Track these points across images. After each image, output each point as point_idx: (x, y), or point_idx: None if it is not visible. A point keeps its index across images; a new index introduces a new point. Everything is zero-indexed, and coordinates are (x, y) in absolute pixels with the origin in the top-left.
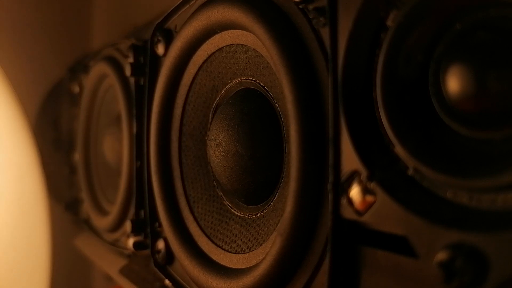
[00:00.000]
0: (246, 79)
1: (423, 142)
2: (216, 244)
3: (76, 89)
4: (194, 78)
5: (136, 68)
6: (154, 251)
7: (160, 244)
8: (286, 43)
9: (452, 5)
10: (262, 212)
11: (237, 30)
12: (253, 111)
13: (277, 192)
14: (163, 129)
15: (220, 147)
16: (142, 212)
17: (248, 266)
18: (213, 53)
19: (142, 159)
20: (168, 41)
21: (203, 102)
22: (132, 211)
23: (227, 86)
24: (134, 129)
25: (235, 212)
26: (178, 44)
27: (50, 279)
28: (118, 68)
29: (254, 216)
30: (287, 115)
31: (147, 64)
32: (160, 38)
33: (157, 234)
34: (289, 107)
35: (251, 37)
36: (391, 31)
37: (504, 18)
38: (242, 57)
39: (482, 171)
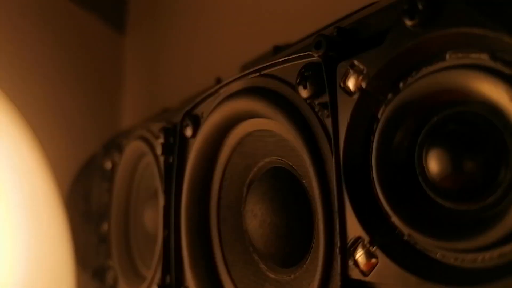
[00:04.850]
0: (275, 158)
1: (415, 213)
2: None
3: (108, 165)
4: (229, 158)
5: (166, 148)
6: None
7: None
8: (305, 131)
9: (428, 103)
10: (295, 274)
11: (262, 119)
12: (284, 187)
13: (309, 256)
14: (198, 202)
15: (257, 217)
16: (168, 278)
17: None
18: (244, 136)
19: (170, 228)
20: (196, 125)
21: (238, 178)
22: (158, 276)
23: (259, 164)
24: (162, 202)
25: (270, 275)
26: (206, 129)
27: None
28: (152, 147)
29: (288, 278)
30: (313, 192)
31: (176, 145)
32: (188, 122)
33: None
34: (315, 188)
35: (276, 124)
36: (381, 122)
37: (468, 113)
38: (270, 140)
39: (463, 235)
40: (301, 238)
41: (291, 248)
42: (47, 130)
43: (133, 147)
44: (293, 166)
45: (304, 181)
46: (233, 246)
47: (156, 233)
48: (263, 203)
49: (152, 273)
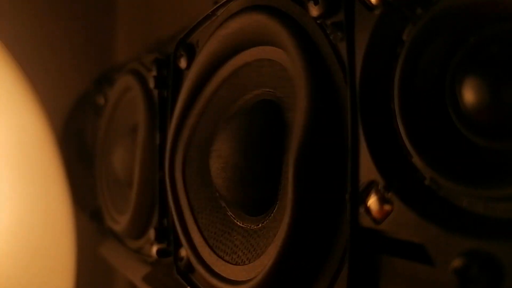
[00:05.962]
0: (266, 90)
1: (440, 153)
2: (218, 255)
3: (101, 101)
4: (215, 91)
5: (160, 81)
6: (177, 258)
7: (183, 252)
8: (310, 57)
9: (466, 20)
10: (263, 223)
11: (264, 46)
12: (262, 122)
13: (277, 203)
14: (178, 140)
15: (220, 158)
16: (165, 220)
17: (248, 279)
18: (240, 67)
19: (164, 169)
20: (190, 55)
21: (217, 113)
22: (155, 219)
23: (244, 97)
24: (157, 140)
25: (238, 223)
26: (201, 59)
27: (74, 286)
28: (142, 80)
29: (255, 227)
30: (294, 126)
31: (170, 77)
32: (182, 52)
33: (179, 241)
34: (297, 115)
35: (280, 52)
36: (406, 45)
37: None
38: (267, 70)
39: (497, 181)
40: (267, 184)
41: (257, 194)
42: (37, 65)
43: (123, 81)
44: (283, 99)
45: (288, 115)
46: (199, 191)
47: (130, 175)
48: (230, 142)
49: (129, 218)
